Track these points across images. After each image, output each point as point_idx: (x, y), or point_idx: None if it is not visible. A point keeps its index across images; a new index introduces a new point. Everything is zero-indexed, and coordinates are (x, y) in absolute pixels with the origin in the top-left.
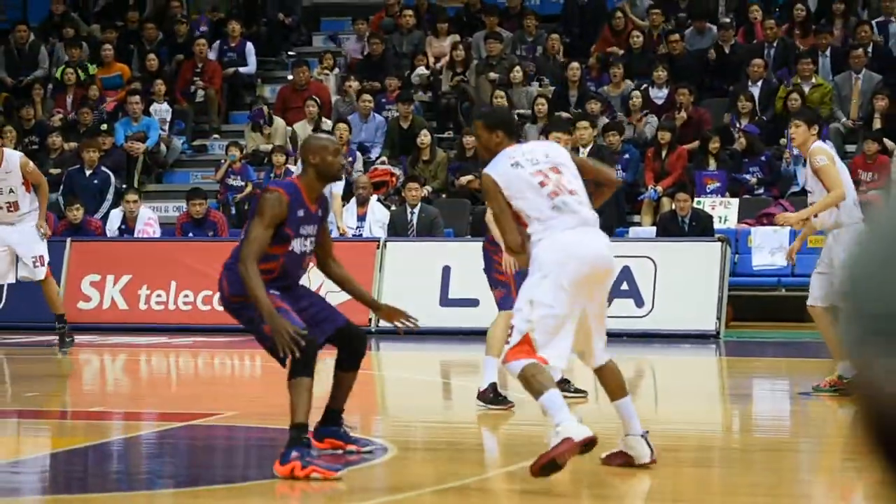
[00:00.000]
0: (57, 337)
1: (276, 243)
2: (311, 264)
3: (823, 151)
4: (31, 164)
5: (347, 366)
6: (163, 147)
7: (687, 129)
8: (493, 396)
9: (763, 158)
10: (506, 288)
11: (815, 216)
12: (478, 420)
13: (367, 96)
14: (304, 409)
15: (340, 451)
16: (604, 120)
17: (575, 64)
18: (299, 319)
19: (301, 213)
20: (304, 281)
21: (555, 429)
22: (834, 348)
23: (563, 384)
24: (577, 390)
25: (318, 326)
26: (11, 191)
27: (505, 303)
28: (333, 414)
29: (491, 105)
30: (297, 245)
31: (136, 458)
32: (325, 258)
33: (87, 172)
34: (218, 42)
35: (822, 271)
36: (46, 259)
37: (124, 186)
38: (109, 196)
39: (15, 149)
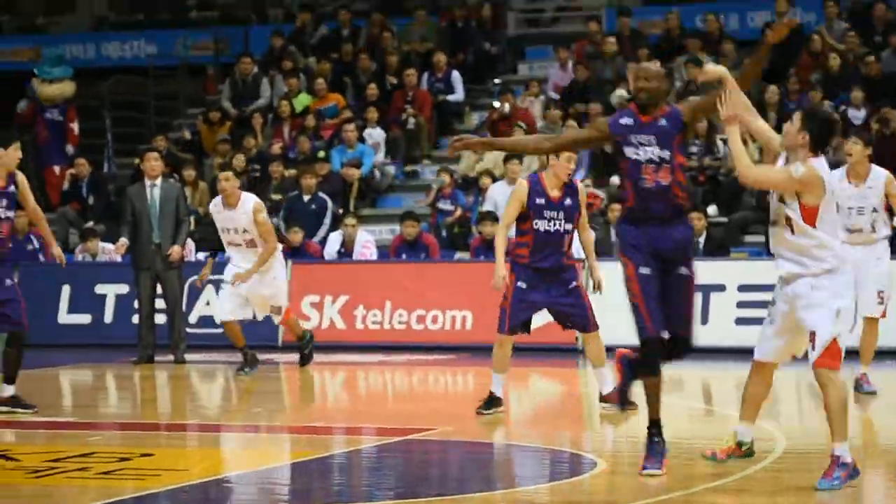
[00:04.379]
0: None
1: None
2: None
3: None
4: (262, 212)
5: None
6: (377, 173)
7: (884, 147)
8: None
9: None
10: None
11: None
12: (682, 435)
13: (571, 121)
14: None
15: None
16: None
17: (773, 87)
18: None
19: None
20: None
21: None
22: None
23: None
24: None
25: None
26: (245, 229)
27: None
28: None
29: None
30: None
31: (357, 471)
32: None
33: (306, 198)
34: (426, 72)
35: None
36: (285, 306)
37: (341, 211)
38: (327, 220)
39: (238, 176)
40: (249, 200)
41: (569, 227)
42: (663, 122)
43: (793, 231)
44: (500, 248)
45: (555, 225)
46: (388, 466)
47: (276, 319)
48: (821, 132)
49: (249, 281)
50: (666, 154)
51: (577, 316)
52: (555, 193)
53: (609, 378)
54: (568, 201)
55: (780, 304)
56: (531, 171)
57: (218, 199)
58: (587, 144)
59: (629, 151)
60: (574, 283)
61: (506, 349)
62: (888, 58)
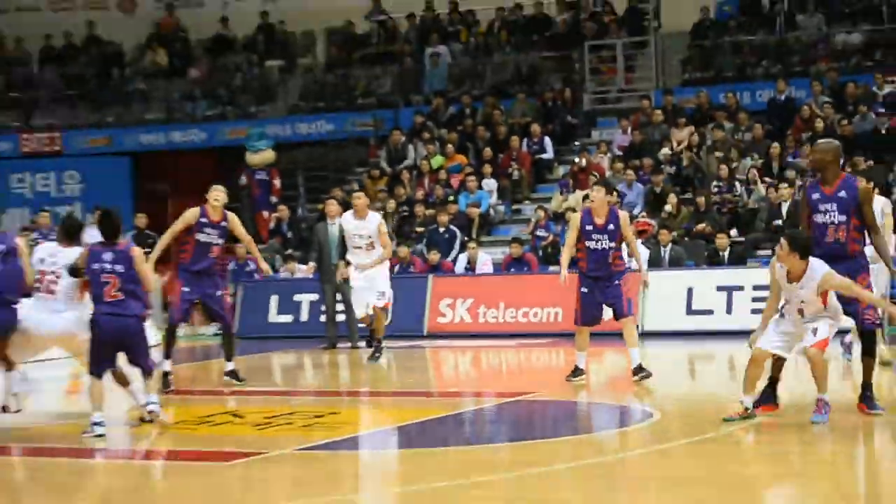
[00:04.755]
0: (373, 350)
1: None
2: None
3: None
4: (384, 226)
5: None
6: (492, 211)
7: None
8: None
9: None
10: None
11: None
12: (718, 393)
13: (629, 171)
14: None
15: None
16: (798, 182)
17: (776, 144)
18: None
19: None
20: None
21: None
22: None
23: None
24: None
25: None
26: (370, 236)
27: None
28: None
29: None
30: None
31: (480, 423)
32: None
33: (441, 230)
34: (525, 138)
35: None
36: (389, 295)
37: (466, 238)
38: (456, 245)
39: (392, 215)
40: (376, 216)
41: (612, 245)
42: (842, 193)
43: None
44: (564, 259)
45: (601, 244)
46: (503, 419)
47: (381, 302)
48: (804, 248)
49: (364, 279)
50: (843, 218)
51: (616, 305)
52: (600, 221)
53: (636, 357)
54: (611, 226)
55: (788, 323)
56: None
57: (349, 213)
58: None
59: (817, 217)
60: (617, 282)
61: (583, 335)
62: (857, 122)
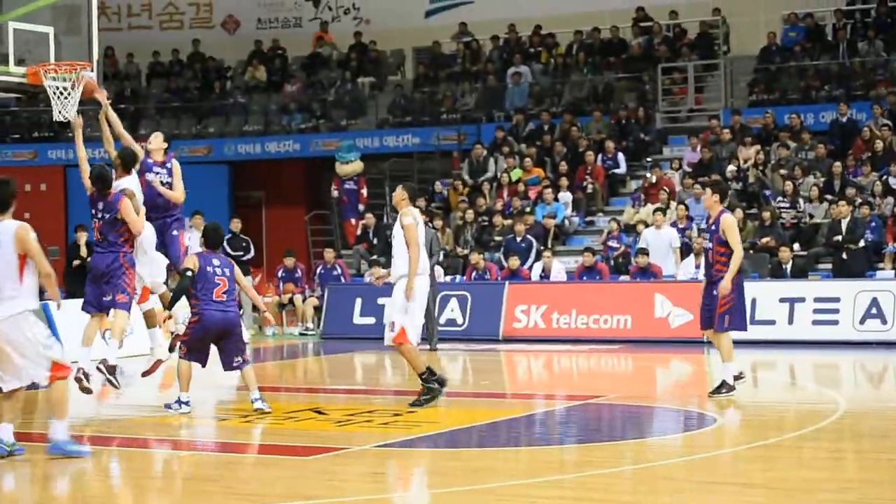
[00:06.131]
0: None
1: None
2: None
3: None
4: (408, 219)
5: None
6: (566, 222)
7: None
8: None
9: None
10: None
11: None
12: (778, 399)
13: (697, 186)
14: None
15: None
16: (858, 200)
17: (837, 163)
18: None
19: None
20: None
21: None
22: None
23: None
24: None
25: None
26: (396, 236)
27: None
28: None
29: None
30: None
31: (552, 423)
32: None
33: (518, 239)
34: (600, 154)
35: None
36: (398, 326)
37: (542, 248)
38: (533, 254)
39: (472, 224)
40: (408, 211)
41: (710, 245)
42: None
43: None
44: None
45: (707, 244)
46: (572, 421)
47: (389, 337)
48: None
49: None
50: None
51: (710, 315)
52: (710, 222)
53: (730, 371)
54: (713, 227)
55: None
56: (671, 221)
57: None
58: None
59: None
60: (715, 291)
61: (717, 342)
62: None
